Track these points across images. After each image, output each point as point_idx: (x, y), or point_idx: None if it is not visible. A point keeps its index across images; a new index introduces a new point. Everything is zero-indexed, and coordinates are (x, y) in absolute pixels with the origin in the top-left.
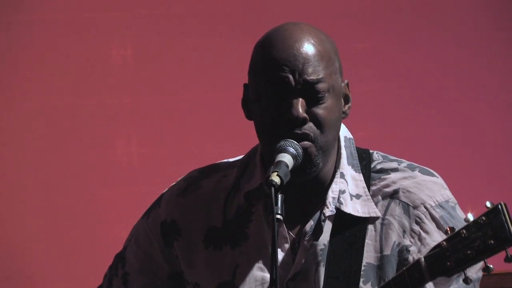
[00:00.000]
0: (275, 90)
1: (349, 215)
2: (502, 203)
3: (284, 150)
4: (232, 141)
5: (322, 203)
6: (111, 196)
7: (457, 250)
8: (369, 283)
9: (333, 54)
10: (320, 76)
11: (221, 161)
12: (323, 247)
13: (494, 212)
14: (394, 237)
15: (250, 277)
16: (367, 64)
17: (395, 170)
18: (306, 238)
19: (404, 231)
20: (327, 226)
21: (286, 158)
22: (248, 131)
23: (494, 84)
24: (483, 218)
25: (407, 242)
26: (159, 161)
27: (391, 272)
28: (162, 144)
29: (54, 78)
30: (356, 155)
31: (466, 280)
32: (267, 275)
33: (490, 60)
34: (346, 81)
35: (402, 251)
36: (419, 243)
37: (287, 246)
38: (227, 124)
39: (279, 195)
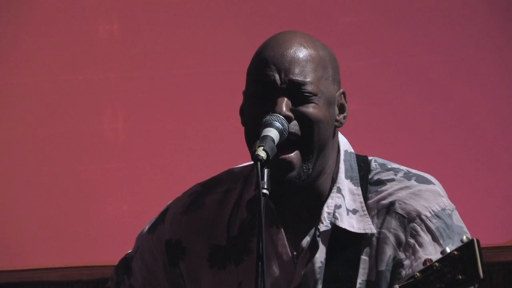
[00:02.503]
0: (261, 89)
1: (345, 230)
2: (475, 240)
3: (270, 125)
4: (221, 116)
5: (318, 218)
6: (97, 171)
7: (429, 282)
8: None
9: (326, 61)
10: (307, 79)
11: (227, 171)
12: (320, 264)
13: (467, 247)
14: (389, 251)
15: None
16: (354, 39)
17: (391, 180)
18: (302, 254)
19: (399, 245)
20: (323, 242)
21: (272, 133)
22: (236, 105)
23: (482, 58)
24: (455, 252)
25: (402, 255)
26: (145, 136)
27: (385, 287)
28: (149, 119)
29: (40, 54)
30: (356, 168)
31: None
32: (271, 285)
33: (479, 36)
34: (342, 90)
35: (397, 265)
36: (412, 257)
37: (288, 256)
38: (215, 99)
39: (265, 170)
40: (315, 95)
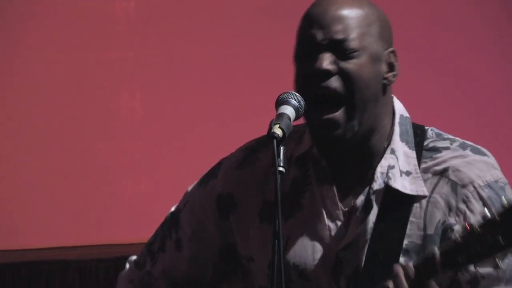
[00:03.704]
0: (304, 46)
1: (397, 191)
2: None
3: (286, 102)
4: (240, 95)
5: (371, 178)
6: (115, 150)
7: (469, 246)
8: (410, 263)
9: (372, 19)
10: (349, 35)
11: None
12: (371, 225)
13: (508, 212)
14: (439, 215)
15: (300, 247)
16: None
17: (446, 148)
18: (357, 214)
19: (450, 210)
20: (376, 202)
21: (288, 110)
22: (253, 83)
23: (487, 32)
24: (497, 217)
25: (452, 220)
26: (162, 115)
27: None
28: (166, 98)
29: (57, 33)
30: (412, 133)
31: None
32: (318, 244)
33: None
34: (391, 48)
35: (447, 229)
36: (463, 223)
37: (338, 215)
38: (233, 78)
39: (281, 147)
40: (357, 51)
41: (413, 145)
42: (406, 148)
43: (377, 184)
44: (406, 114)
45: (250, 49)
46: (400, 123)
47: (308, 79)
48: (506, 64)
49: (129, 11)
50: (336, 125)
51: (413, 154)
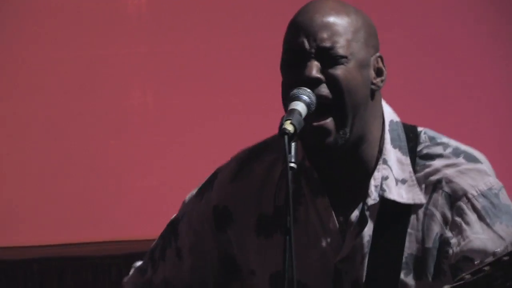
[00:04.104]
0: (292, 55)
1: (393, 202)
2: None
3: (297, 98)
4: (251, 91)
5: (365, 190)
6: (127, 145)
7: (478, 285)
8: (410, 276)
9: (359, 26)
10: (336, 43)
11: (275, 136)
12: (368, 238)
13: None
14: (436, 228)
15: (300, 261)
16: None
17: (440, 156)
18: (351, 229)
19: (446, 223)
20: (372, 216)
21: (300, 106)
22: (263, 80)
23: (485, 28)
24: (507, 258)
25: (449, 234)
26: (174, 111)
27: (432, 265)
28: (178, 94)
29: (69, 30)
30: (404, 137)
31: None
32: (317, 257)
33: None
34: (378, 54)
35: (444, 243)
36: (459, 236)
37: (334, 226)
38: (245, 73)
39: (293, 143)
40: (344, 57)
41: (407, 151)
42: (399, 154)
43: (372, 199)
44: (397, 119)
45: (262, 45)
46: (390, 130)
47: (296, 87)
48: (507, 61)
49: (141, 8)
50: (327, 132)
51: (407, 160)
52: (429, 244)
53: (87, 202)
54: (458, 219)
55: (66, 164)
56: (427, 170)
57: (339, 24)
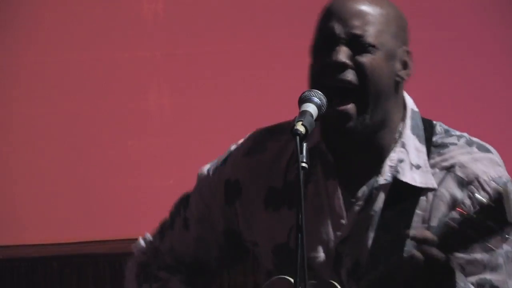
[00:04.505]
0: (322, 39)
1: (405, 184)
2: (502, 189)
3: (309, 100)
4: (265, 91)
5: (378, 171)
6: (144, 146)
7: (462, 231)
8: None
9: (390, 17)
10: (366, 30)
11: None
12: (373, 213)
13: (497, 196)
14: (443, 208)
15: (309, 235)
16: None
17: (453, 144)
18: (357, 203)
19: (454, 203)
20: (381, 194)
21: (311, 108)
22: (279, 81)
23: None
24: (486, 201)
25: (455, 214)
26: (190, 112)
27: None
28: (193, 95)
29: (89, 33)
30: (422, 127)
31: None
32: (320, 236)
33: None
34: (406, 47)
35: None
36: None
37: (340, 209)
38: (259, 75)
39: (304, 144)
40: (373, 46)
41: (424, 140)
42: (416, 142)
43: (383, 179)
44: (416, 109)
45: (276, 47)
46: (411, 117)
47: (324, 70)
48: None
49: (157, 12)
50: (348, 117)
51: (423, 149)
52: (435, 222)
53: (106, 201)
54: (468, 201)
55: (85, 164)
56: (442, 157)
57: (372, 14)
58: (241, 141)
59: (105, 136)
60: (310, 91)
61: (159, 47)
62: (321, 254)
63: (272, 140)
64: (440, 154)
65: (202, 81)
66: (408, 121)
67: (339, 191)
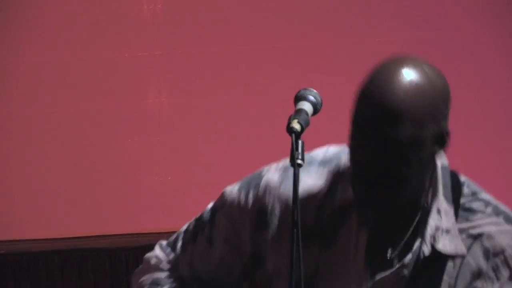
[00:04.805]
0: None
1: (438, 251)
2: None
3: (304, 98)
4: (265, 90)
5: (415, 237)
6: (143, 143)
7: None
8: None
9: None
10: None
11: (323, 151)
12: (402, 276)
13: None
14: (469, 277)
15: (330, 280)
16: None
17: (482, 212)
18: (403, 270)
19: (479, 274)
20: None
21: (306, 106)
22: (277, 80)
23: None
24: None
25: (479, 284)
26: (188, 110)
27: None
28: (191, 94)
29: (90, 33)
30: (449, 186)
31: None
32: (345, 283)
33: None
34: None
35: None
36: (490, 287)
37: (361, 263)
38: (258, 74)
39: (300, 141)
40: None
41: (451, 200)
42: (445, 204)
43: (428, 249)
44: (446, 163)
45: (276, 47)
46: (442, 177)
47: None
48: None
49: (156, 12)
50: (375, 205)
51: (451, 211)
52: None
53: (106, 197)
54: (492, 274)
55: (86, 161)
56: (470, 224)
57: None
58: (274, 165)
59: (105, 134)
60: (305, 89)
61: (158, 47)
62: None
63: (304, 172)
64: (468, 220)
65: (200, 81)
66: (440, 183)
67: (364, 245)
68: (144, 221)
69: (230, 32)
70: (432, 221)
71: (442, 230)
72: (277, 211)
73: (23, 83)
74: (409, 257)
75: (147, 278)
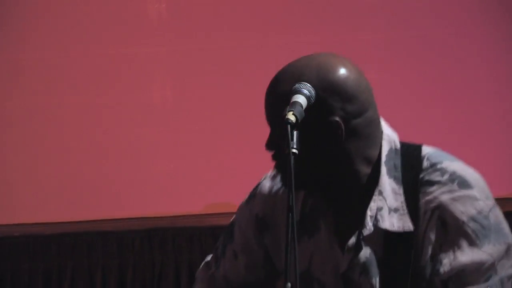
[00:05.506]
0: None
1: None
2: None
3: (299, 92)
4: (266, 85)
5: (362, 222)
6: (149, 134)
7: None
8: None
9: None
10: None
11: None
12: (364, 260)
13: None
14: (430, 249)
15: (322, 265)
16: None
17: (438, 183)
18: (348, 253)
19: (440, 245)
20: (367, 242)
21: (301, 99)
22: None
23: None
24: None
25: (441, 254)
26: (191, 104)
27: (424, 283)
28: (195, 88)
29: (95, 30)
30: (400, 166)
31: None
32: (332, 265)
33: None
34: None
35: (436, 262)
36: (451, 257)
37: (335, 246)
38: (260, 70)
39: (295, 132)
40: None
41: (401, 180)
42: (394, 184)
43: (367, 229)
44: (396, 144)
45: (278, 43)
46: (387, 161)
47: None
48: (503, 66)
49: (161, 11)
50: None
51: (400, 190)
52: (423, 262)
53: (114, 183)
54: (450, 243)
55: (96, 151)
56: (428, 197)
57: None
58: (268, 174)
59: (112, 125)
60: (300, 83)
61: (162, 44)
62: (334, 279)
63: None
64: (426, 194)
65: (203, 76)
66: (383, 167)
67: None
68: (149, 206)
69: (233, 30)
70: (373, 203)
71: (389, 209)
72: (269, 217)
73: (29, 77)
74: (352, 240)
75: None
